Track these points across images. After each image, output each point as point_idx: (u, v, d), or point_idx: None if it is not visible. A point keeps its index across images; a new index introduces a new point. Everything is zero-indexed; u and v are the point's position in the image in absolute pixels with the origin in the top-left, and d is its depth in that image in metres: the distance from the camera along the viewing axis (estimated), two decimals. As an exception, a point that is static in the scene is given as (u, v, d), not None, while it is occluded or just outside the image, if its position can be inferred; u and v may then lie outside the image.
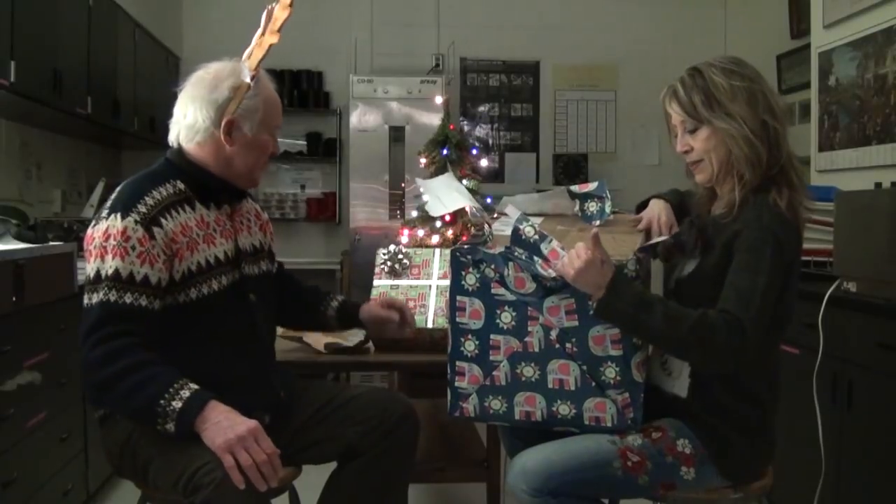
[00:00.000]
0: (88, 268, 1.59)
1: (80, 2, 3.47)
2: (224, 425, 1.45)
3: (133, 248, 1.55)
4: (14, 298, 2.21)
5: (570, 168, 5.60)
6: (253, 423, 1.48)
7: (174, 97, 1.75)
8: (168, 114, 1.77)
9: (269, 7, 1.78)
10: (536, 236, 1.60)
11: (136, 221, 1.57)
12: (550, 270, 1.58)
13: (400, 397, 1.95)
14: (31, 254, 2.35)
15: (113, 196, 1.66)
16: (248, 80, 1.71)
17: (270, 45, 1.74)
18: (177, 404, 1.46)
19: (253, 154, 1.74)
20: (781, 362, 1.71)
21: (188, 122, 1.71)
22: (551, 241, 1.60)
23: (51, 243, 2.71)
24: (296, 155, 5.51)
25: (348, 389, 1.92)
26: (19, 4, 2.78)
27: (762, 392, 1.64)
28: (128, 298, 1.54)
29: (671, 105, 1.68)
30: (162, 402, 1.46)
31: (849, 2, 3.16)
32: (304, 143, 5.52)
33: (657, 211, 1.81)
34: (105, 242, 1.57)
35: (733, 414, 1.60)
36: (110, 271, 1.54)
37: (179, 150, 1.74)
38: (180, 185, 1.69)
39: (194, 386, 1.49)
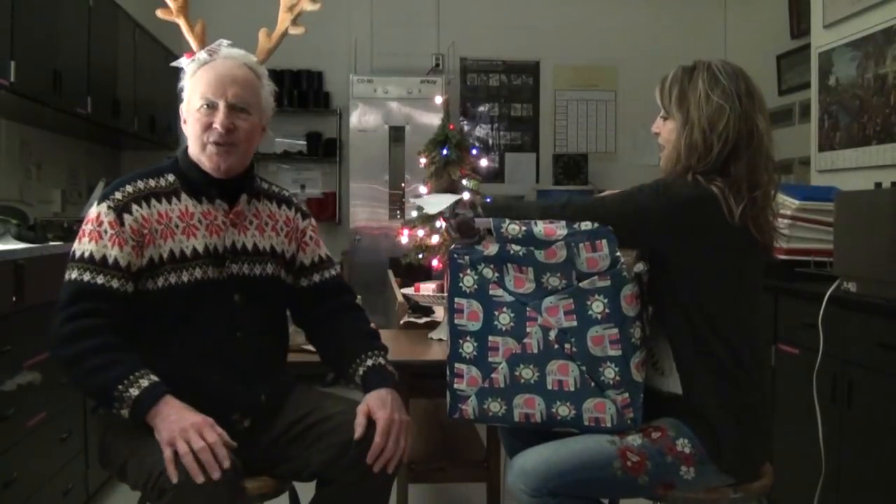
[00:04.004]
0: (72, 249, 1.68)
1: (80, 2, 3.47)
2: (172, 419, 1.47)
3: (105, 231, 1.63)
4: (14, 298, 2.21)
5: (570, 168, 5.60)
6: (200, 417, 1.49)
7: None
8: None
9: None
10: (524, 227, 1.61)
11: (108, 207, 1.65)
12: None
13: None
14: (31, 254, 2.35)
15: None
16: (182, 65, 1.80)
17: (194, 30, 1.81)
18: (133, 392, 1.49)
19: (192, 126, 1.73)
20: (759, 333, 1.72)
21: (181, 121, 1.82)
22: (537, 222, 1.61)
23: (51, 243, 2.71)
24: (296, 155, 5.51)
25: (325, 406, 1.74)
26: (19, 4, 2.78)
27: (748, 368, 1.62)
28: (100, 279, 1.60)
29: (657, 86, 1.73)
30: (120, 387, 1.49)
31: (849, 2, 3.15)
32: (304, 143, 5.52)
33: None
34: (85, 226, 1.67)
35: (724, 398, 1.59)
36: (86, 253, 1.62)
37: (185, 148, 1.80)
38: (170, 178, 1.74)
39: (154, 378, 1.52)
